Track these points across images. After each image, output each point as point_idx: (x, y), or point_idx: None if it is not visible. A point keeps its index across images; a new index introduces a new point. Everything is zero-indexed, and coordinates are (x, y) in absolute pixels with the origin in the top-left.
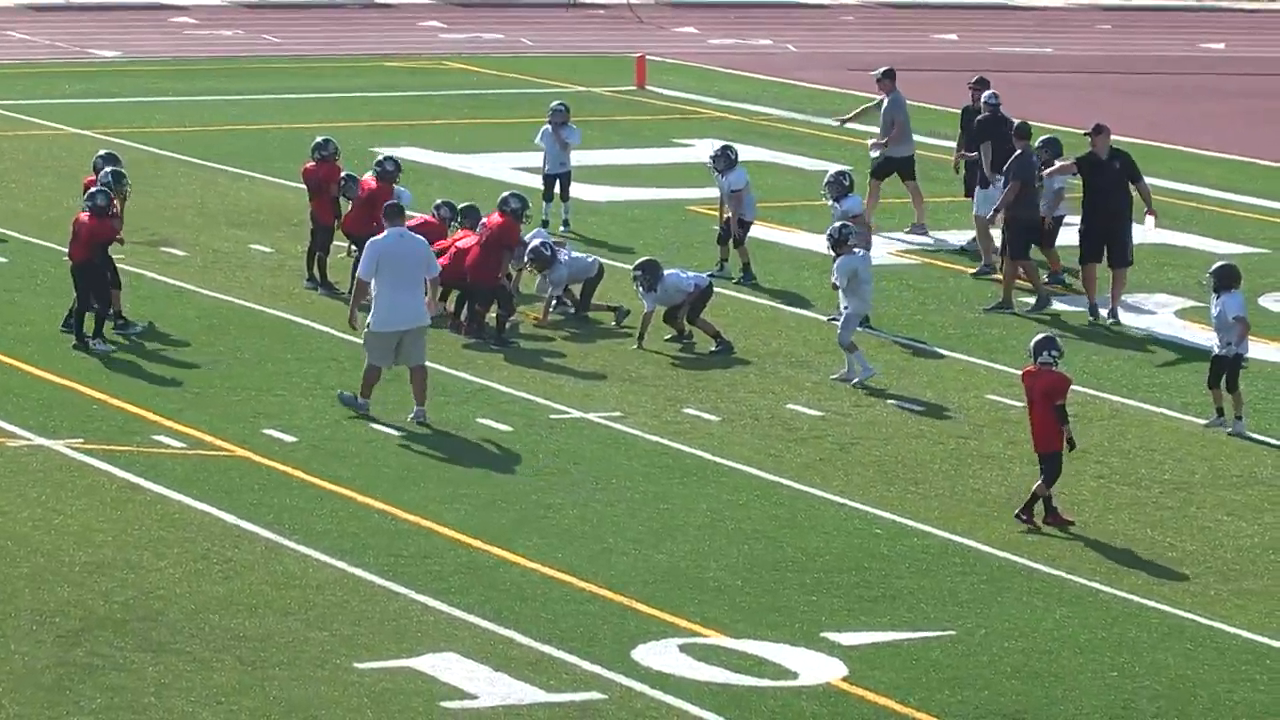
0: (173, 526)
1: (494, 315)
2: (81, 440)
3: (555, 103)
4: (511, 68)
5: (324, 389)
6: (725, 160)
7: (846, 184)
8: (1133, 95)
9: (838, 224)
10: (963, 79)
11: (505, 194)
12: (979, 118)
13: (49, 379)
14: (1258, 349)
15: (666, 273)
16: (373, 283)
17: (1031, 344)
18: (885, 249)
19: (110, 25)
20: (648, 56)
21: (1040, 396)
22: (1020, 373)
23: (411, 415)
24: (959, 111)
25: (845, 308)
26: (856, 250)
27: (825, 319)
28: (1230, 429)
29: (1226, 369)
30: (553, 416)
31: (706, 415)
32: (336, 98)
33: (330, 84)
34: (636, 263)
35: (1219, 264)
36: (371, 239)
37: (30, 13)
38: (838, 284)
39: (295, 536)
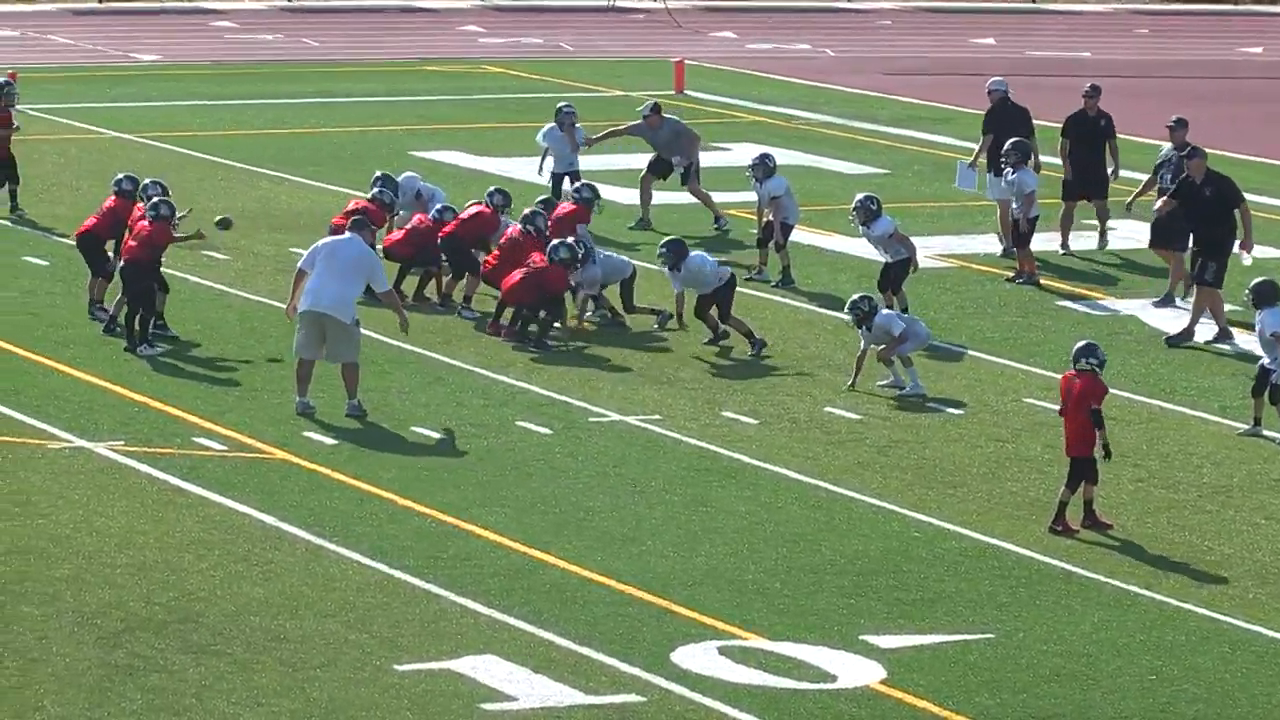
0: (213, 528)
1: (538, 321)
2: (123, 442)
3: (564, 104)
4: (551, 72)
5: (364, 392)
6: (764, 169)
7: (875, 208)
8: (1170, 99)
9: (860, 298)
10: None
11: (579, 184)
12: (989, 108)
13: (90, 381)
14: None
15: (692, 254)
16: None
17: (1074, 349)
18: (923, 252)
19: (151, 29)
20: (686, 61)
21: (1076, 401)
22: (1060, 377)
23: (346, 408)
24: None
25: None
26: (880, 312)
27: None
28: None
29: (1271, 383)
30: (592, 419)
31: (745, 418)
32: (376, 101)
33: (370, 88)
34: (662, 242)
35: (1258, 280)
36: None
37: (72, 17)
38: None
39: (335, 539)
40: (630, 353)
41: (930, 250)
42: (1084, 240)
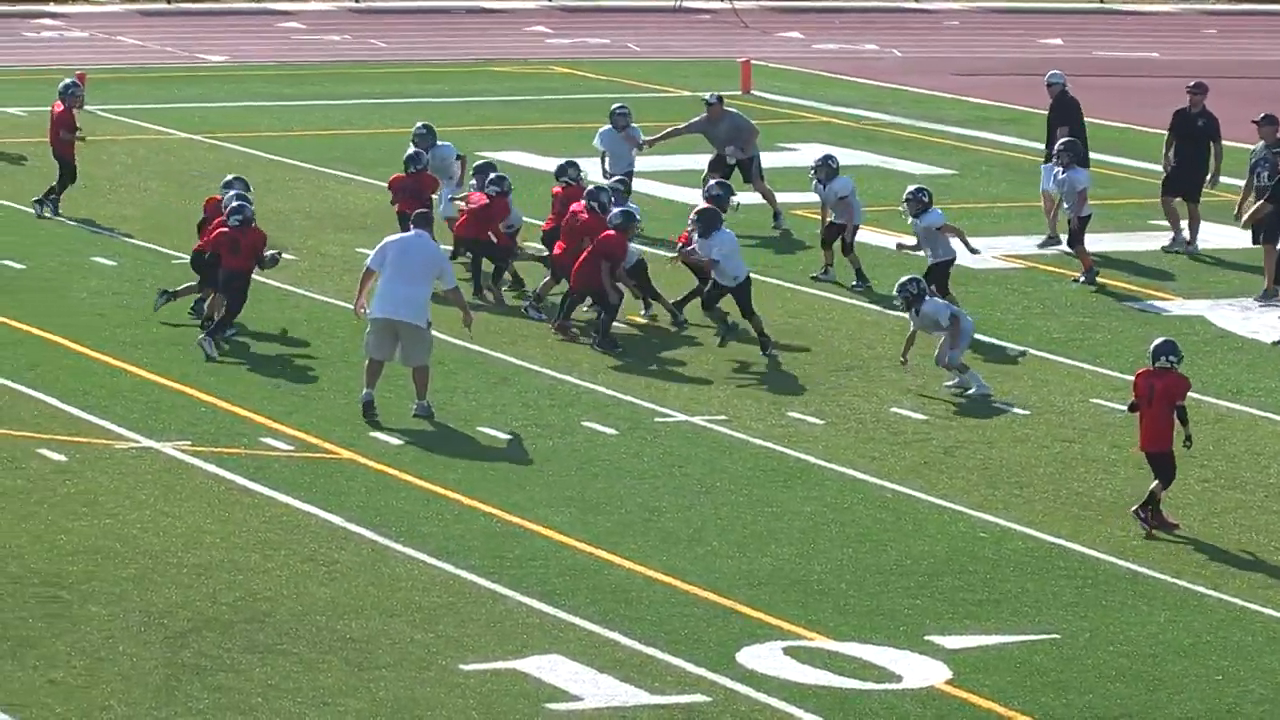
0: (280, 528)
1: (595, 318)
2: (189, 442)
3: (618, 105)
4: (617, 72)
5: (430, 392)
6: (826, 170)
7: (926, 200)
8: (1239, 99)
9: (908, 280)
10: (1068, 83)
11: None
12: (1050, 103)
13: (157, 381)
14: None
15: (725, 229)
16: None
17: (1152, 347)
18: (990, 253)
19: (219, 30)
20: (753, 61)
21: (1161, 396)
22: (1134, 375)
23: (413, 409)
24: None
25: (950, 348)
26: (930, 298)
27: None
28: None
29: None
30: (657, 420)
31: (811, 418)
32: (442, 102)
33: (436, 88)
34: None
35: None
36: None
37: (140, 18)
38: (943, 325)
39: (401, 539)
40: (696, 353)
41: (997, 250)
42: (1153, 240)
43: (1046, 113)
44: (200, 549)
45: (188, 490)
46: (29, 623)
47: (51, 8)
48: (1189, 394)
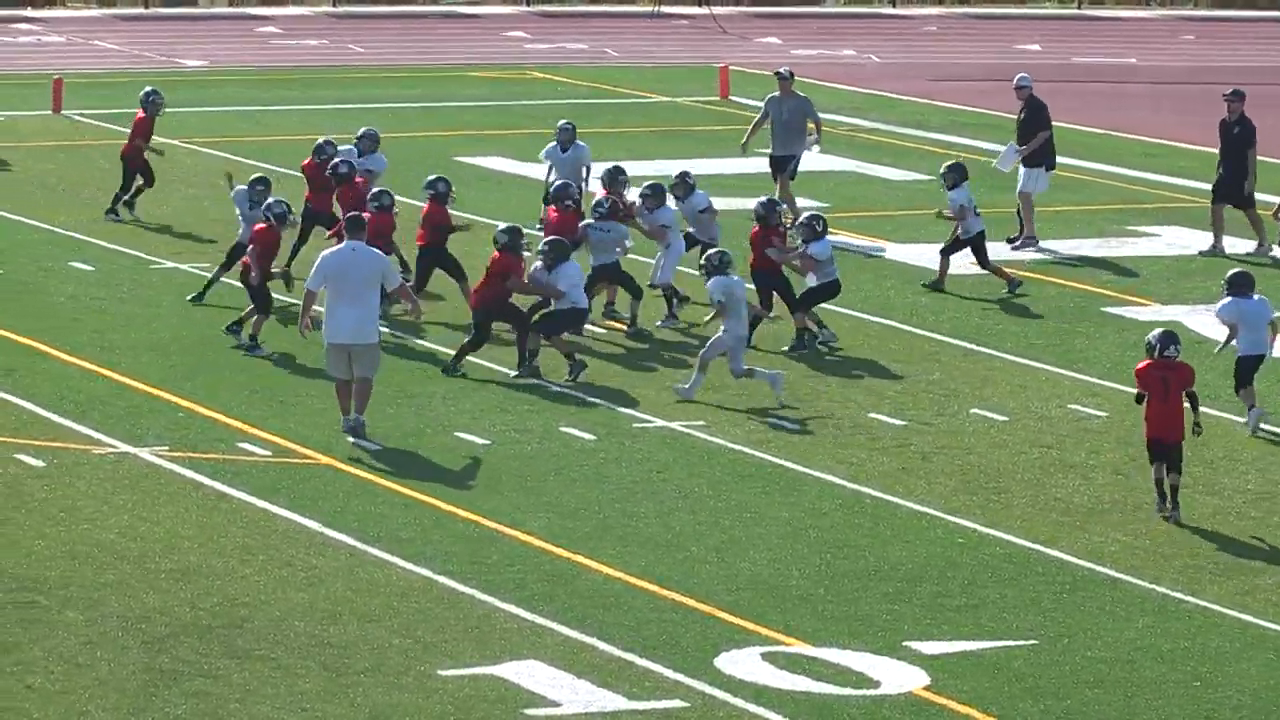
0: (258, 534)
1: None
2: (168, 448)
3: (564, 121)
4: (595, 78)
5: (407, 397)
6: (684, 186)
7: (958, 175)
8: (1217, 106)
9: (715, 252)
10: (1047, 90)
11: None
12: (1021, 105)
13: (135, 386)
14: None
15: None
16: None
17: (1155, 339)
18: (968, 259)
19: (196, 35)
20: (731, 66)
21: (1176, 387)
22: (1135, 369)
23: (345, 422)
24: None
25: (724, 331)
26: (732, 274)
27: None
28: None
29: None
30: (635, 425)
31: (789, 424)
32: (421, 107)
33: (414, 93)
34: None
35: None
36: (325, 251)
37: (118, 22)
38: (719, 301)
39: (379, 544)
40: (674, 358)
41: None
42: (1129, 246)
43: (1017, 116)
44: (178, 554)
45: (166, 496)
46: (6, 628)
47: (29, 12)
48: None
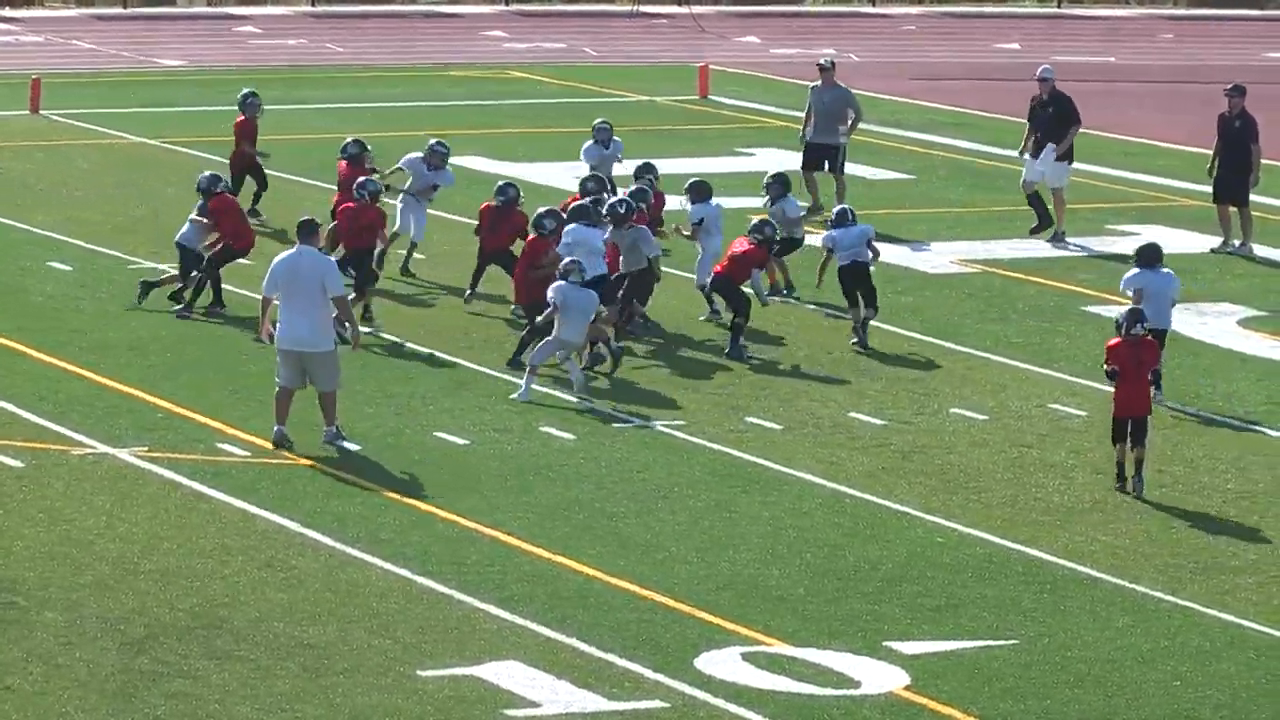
0: (237, 534)
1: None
2: (146, 448)
3: (600, 120)
4: (574, 76)
5: (387, 397)
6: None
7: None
8: (1196, 104)
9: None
10: (1026, 88)
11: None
12: (1043, 98)
13: (114, 387)
14: None
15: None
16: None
17: (1123, 317)
18: (947, 258)
19: (175, 34)
20: (711, 66)
21: (1148, 365)
22: (1106, 346)
23: (323, 436)
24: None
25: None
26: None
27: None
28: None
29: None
30: (616, 425)
31: (769, 424)
32: (400, 106)
33: (394, 93)
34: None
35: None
36: (276, 257)
37: (95, 22)
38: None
39: (358, 544)
40: (655, 358)
41: (955, 255)
42: (1109, 244)
43: (1031, 106)
44: (157, 555)
45: (145, 496)
46: None
47: (6, 11)
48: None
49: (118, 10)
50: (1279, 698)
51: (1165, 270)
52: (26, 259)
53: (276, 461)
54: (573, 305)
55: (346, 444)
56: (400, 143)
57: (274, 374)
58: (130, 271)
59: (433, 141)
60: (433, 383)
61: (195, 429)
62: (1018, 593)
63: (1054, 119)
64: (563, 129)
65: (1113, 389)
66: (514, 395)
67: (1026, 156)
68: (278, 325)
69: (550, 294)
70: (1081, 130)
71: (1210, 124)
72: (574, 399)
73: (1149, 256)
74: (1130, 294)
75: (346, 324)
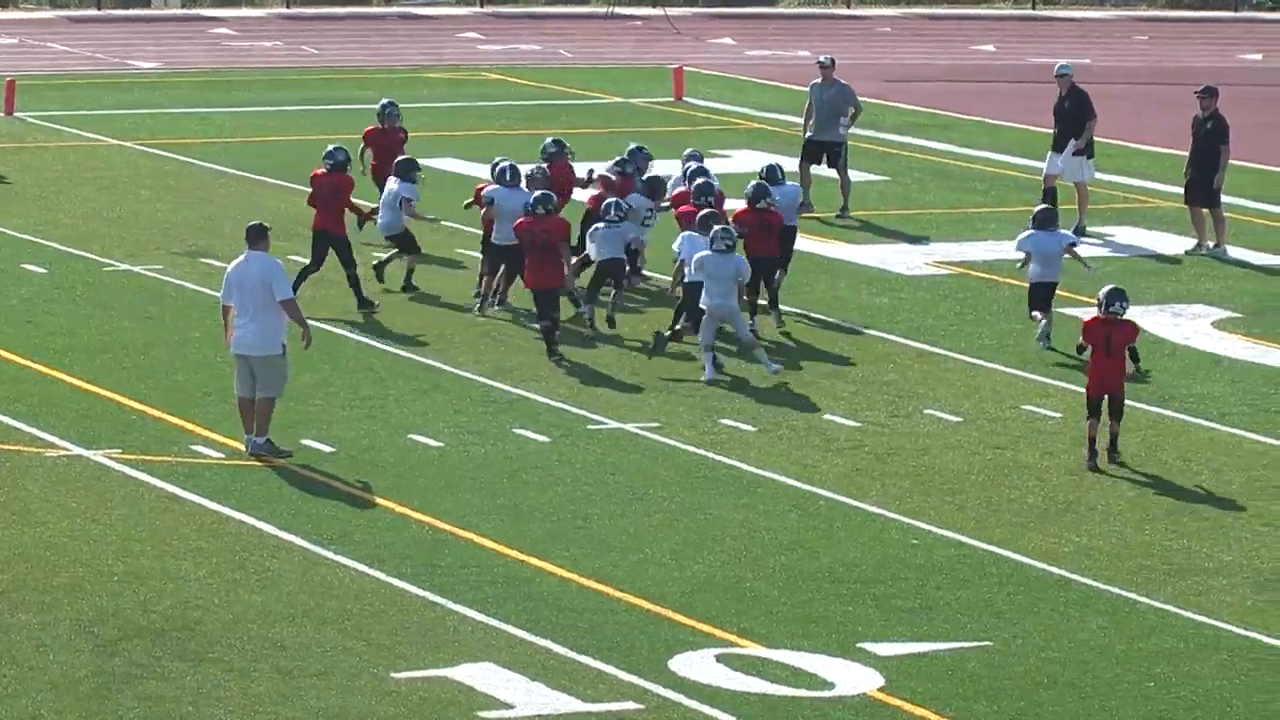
0: (211, 536)
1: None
2: (120, 450)
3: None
4: (549, 79)
5: (361, 399)
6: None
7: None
8: (1171, 106)
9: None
10: (1001, 90)
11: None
12: (1062, 95)
13: (88, 389)
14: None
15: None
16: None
17: (1103, 295)
18: (922, 259)
19: (150, 36)
20: (685, 67)
21: (1118, 345)
22: (1083, 323)
23: (248, 447)
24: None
25: None
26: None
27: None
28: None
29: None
30: (590, 427)
31: (743, 426)
32: (375, 108)
33: (369, 95)
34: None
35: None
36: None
37: (69, 24)
38: None
39: (332, 546)
40: (629, 360)
41: (930, 257)
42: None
43: (1057, 104)
44: (131, 557)
45: (119, 498)
46: None
47: None
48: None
49: (92, 12)
50: (1252, 698)
51: (1057, 230)
52: (1, 261)
53: (250, 463)
54: (715, 273)
55: (270, 455)
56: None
57: None
58: (105, 274)
59: (633, 145)
60: (406, 385)
61: (169, 431)
62: (991, 594)
63: (1071, 115)
64: (538, 130)
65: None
66: (703, 378)
67: (1050, 152)
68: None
69: (691, 267)
70: (1058, 132)
71: (1185, 125)
72: (548, 400)
73: (1042, 218)
74: (1022, 252)
75: (302, 328)
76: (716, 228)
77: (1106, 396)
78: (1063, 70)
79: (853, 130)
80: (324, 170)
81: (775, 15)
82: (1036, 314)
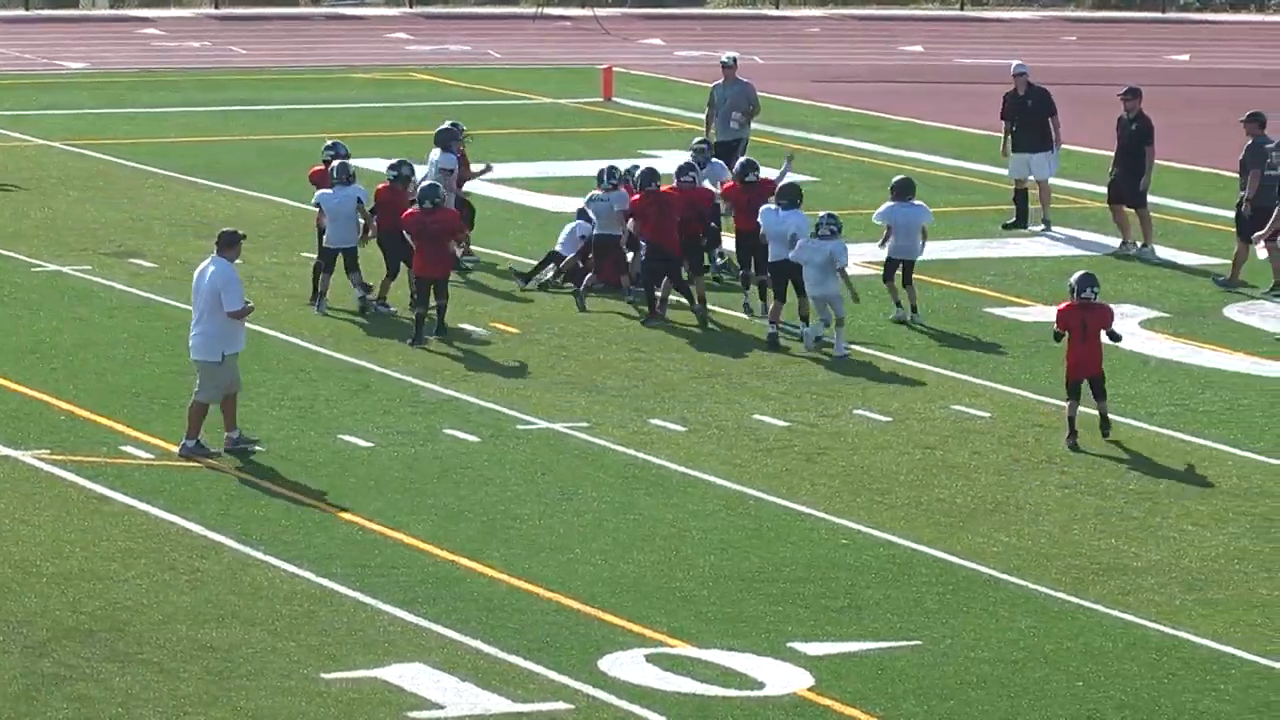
0: (140, 537)
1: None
2: (49, 451)
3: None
4: (478, 79)
5: (291, 400)
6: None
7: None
8: (1098, 107)
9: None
10: (929, 90)
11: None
12: (1020, 93)
13: (16, 390)
14: (1221, 360)
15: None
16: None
17: (1075, 281)
18: (853, 260)
19: (78, 37)
20: (614, 68)
21: (1094, 329)
22: (1056, 309)
23: (179, 448)
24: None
25: None
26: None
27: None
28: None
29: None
30: (520, 427)
31: (673, 426)
32: (304, 109)
33: (298, 95)
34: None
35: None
36: None
37: None
38: None
39: (262, 547)
40: (558, 360)
41: (860, 257)
42: (1012, 247)
43: (1005, 102)
44: (60, 558)
45: (47, 499)
46: None
47: None
48: (1039, 400)
49: (20, 12)
50: (1180, 697)
51: (916, 203)
52: None
53: (179, 464)
54: (810, 260)
55: (206, 458)
56: (302, 146)
57: (177, 378)
58: (34, 274)
59: (698, 140)
60: (336, 385)
61: (98, 431)
62: (921, 594)
63: (1035, 112)
64: (467, 131)
65: (1064, 355)
66: (836, 354)
67: (1013, 154)
68: None
69: (792, 256)
70: (983, 133)
71: (1113, 126)
72: (478, 400)
73: (900, 189)
74: (883, 226)
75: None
76: (822, 214)
77: (1087, 380)
78: (1020, 70)
79: (782, 131)
80: (418, 210)
81: (704, 16)
82: (890, 290)
